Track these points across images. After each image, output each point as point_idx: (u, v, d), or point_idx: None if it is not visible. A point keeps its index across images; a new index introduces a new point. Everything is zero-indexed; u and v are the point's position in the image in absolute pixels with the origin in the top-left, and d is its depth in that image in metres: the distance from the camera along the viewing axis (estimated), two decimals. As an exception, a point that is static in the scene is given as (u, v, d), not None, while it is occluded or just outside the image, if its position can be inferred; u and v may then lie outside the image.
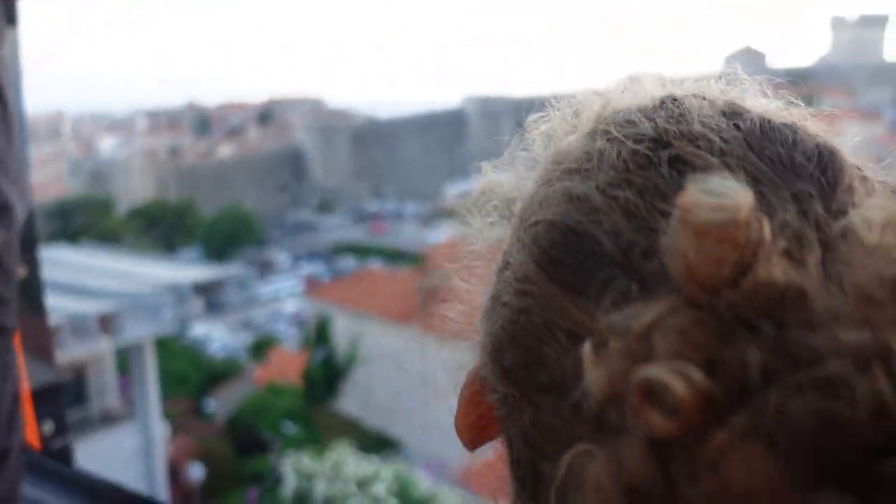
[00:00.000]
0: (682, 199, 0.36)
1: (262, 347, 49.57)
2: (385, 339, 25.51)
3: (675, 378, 0.34)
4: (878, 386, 0.31)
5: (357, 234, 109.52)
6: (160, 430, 21.83)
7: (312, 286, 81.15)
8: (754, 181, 0.45)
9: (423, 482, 16.43)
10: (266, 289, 79.21)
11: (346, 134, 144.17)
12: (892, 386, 0.31)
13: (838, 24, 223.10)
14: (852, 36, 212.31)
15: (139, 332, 21.98)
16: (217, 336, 63.28)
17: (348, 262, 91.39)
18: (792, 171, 0.47)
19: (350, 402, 27.05)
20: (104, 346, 21.31)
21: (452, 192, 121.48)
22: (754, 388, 0.34)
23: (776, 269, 0.36)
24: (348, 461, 15.74)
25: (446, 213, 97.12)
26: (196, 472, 19.48)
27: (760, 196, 0.41)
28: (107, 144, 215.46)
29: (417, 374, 19.95)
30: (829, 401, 0.32)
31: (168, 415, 34.86)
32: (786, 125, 0.50)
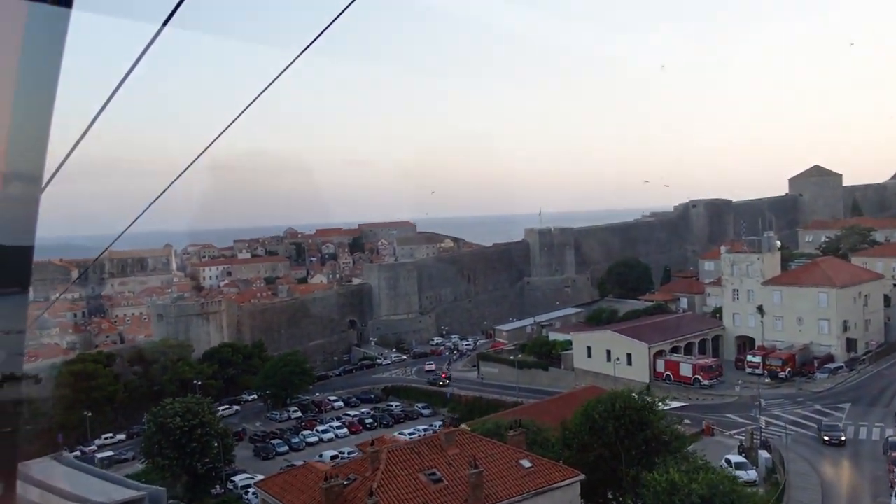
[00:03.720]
0: None
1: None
2: (303, 532, 31.37)
3: None
4: None
5: (411, 373, 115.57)
6: None
7: (355, 429, 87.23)
8: None
9: None
10: (312, 436, 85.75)
11: (410, 270, 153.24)
12: None
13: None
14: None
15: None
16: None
17: (394, 406, 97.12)
18: None
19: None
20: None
21: (504, 330, 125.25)
22: None
23: None
24: None
25: (487, 358, 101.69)
26: None
27: None
28: (209, 274, 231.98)
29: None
30: None
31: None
32: None
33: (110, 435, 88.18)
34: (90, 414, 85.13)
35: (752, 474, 50.99)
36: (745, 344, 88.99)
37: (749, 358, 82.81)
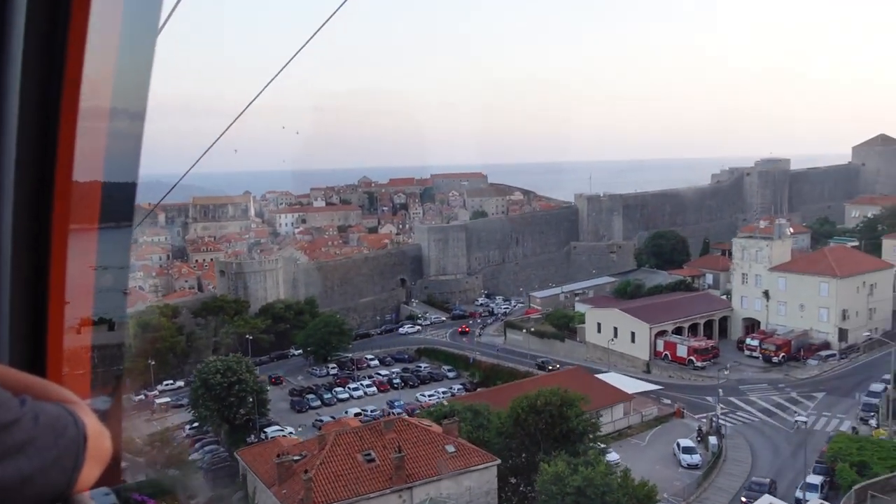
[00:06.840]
0: None
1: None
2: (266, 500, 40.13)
3: None
4: None
5: (447, 335, 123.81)
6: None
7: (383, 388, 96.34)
8: None
9: None
10: (344, 392, 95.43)
11: (458, 232, 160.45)
12: None
13: None
14: None
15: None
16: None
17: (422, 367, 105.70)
18: None
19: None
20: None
21: (538, 297, 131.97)
22: None
23: None
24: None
25: (512, 325, 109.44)
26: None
27: None
28: (285, 221, 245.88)
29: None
30: None
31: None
32: None
33: (171, 382, 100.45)
34: (153, 362, 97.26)
35: (695, 458, 57.18)
36: (752, 327, 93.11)
37: (748, 341, 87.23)
